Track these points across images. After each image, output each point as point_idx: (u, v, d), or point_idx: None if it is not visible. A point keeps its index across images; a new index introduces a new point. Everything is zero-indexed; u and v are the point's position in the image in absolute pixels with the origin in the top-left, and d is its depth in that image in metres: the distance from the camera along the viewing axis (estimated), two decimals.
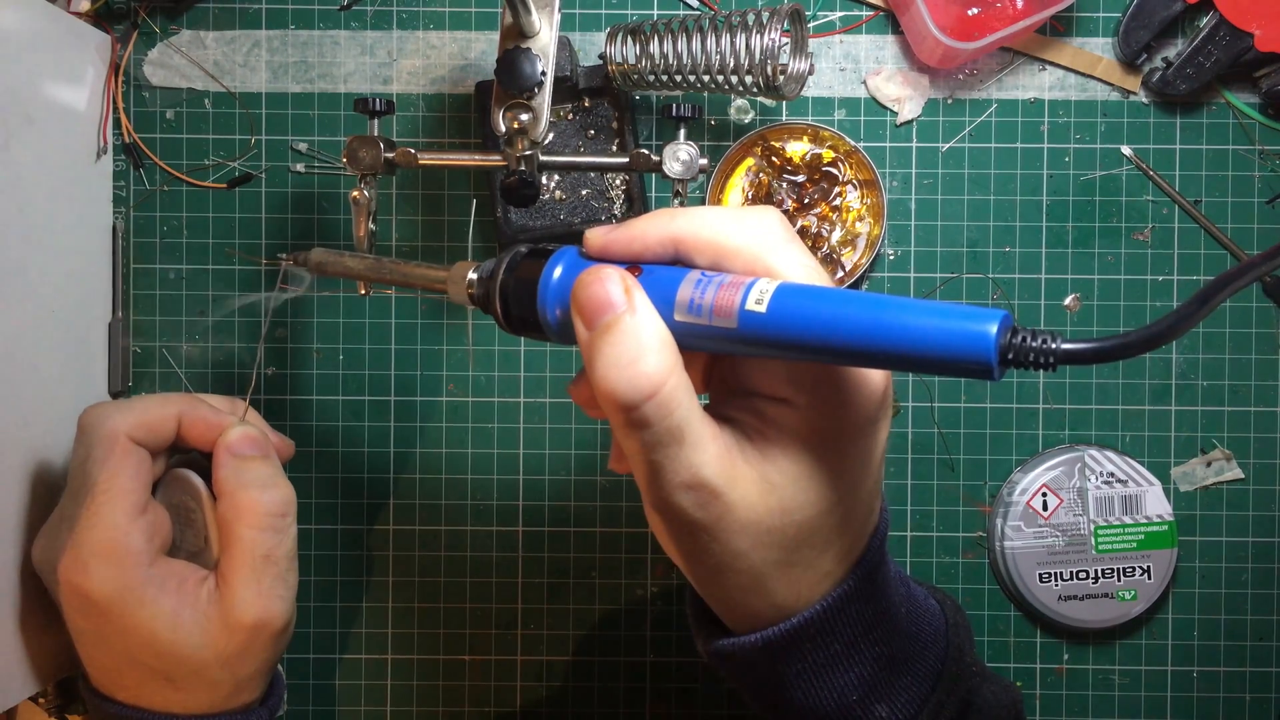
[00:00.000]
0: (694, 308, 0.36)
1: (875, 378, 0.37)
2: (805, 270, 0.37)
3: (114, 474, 0.50)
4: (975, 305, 0.35)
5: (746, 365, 0.39)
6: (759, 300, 0.35)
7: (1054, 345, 0.31)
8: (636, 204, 0.62)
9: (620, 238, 0.39)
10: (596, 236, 0.39)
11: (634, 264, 0.38)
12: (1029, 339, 0.32)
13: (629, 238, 0.38)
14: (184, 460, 0.55)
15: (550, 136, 0.62)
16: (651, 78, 0.56)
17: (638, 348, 0.35)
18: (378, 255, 0.49)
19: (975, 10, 0.60)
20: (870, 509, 0.40)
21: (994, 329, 0.32)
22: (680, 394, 0.35)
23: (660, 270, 0.38)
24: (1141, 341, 0.31)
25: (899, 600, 0.42)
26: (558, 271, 0.39)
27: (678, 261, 0.38)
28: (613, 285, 0.36)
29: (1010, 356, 0.32)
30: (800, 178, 0.62)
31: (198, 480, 0.53)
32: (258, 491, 0.51)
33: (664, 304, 0.37)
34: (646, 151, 0.55)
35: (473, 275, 0.42)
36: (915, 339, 0.32)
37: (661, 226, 0.38)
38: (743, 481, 0.36)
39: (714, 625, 0.42)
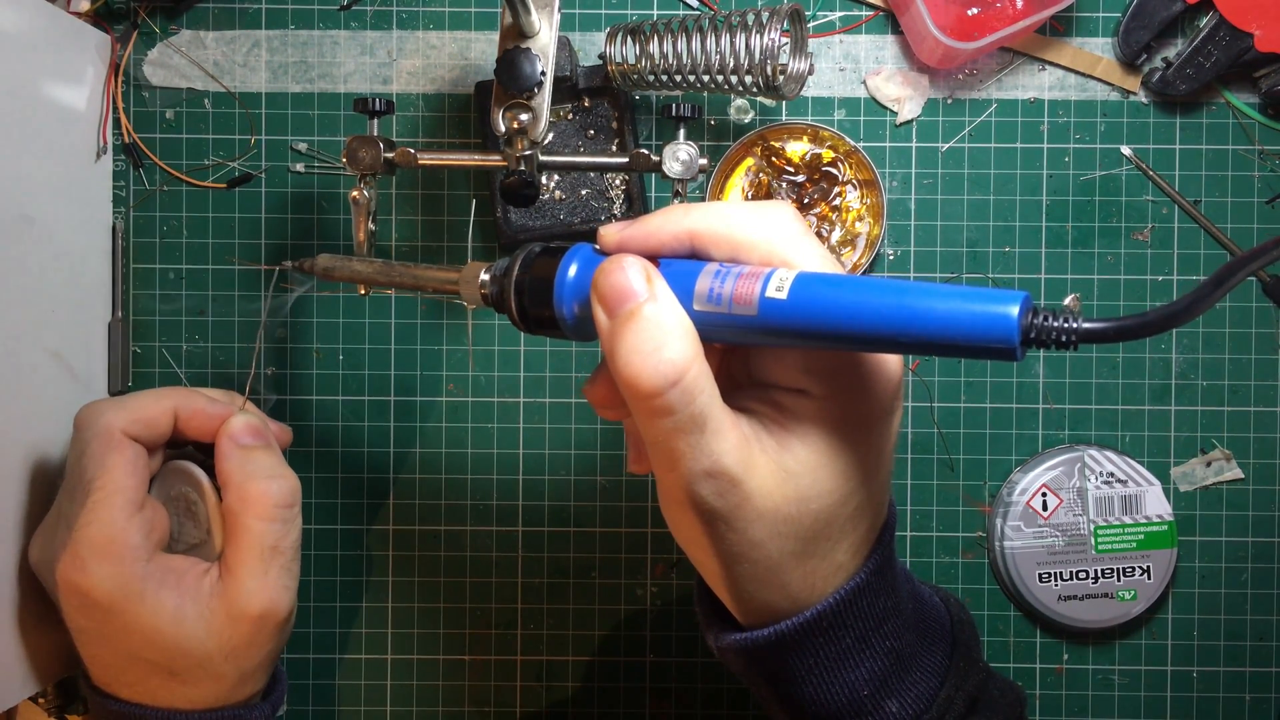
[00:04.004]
0: (713, 297, 0.36)
1: (891, 367, 0.38)
2: (822, 262, 0.37)
3: (110, 471, 0.50)
4: (995, 287, 0.35)
5: (761, 357, 0.39)
6: (779, 288, 0.35)
7: (1075, 324, 0.32)
8: (636, 204, 0.62)
9: (636, 234, 0.39)
10: (611, 233, 0.39)
11: (650, 259, 0.38)
12: (1050, 319, 0.32)
13: (645, 233, 0.39)
14: (179, 454, 0.55)
15: (550, 136, 0.62)
16: (651, 78, 0.56)
17: (661, 335, 0.35)
18: (385, 259, 0.48)
19: (975, 10, 0.60)
20: (882, 500, 0.40)
21: (1015, 310, 0.32)
22: (702, 381, 0.35)
23: (677, 263, 0.38)
24: (1161, 320, 0.31)
25: (906, 595, 0.42)
26: (573, 268, 0.39)
27: (693, 256, 0.39)
28: (634, 273, 0.36)
29: (1032, 336, 0.32)
30: (800, 178, 0.62)
31: (199, 472, 0.53)
32: (265, 482, 0.51)
33: (683, 295, 0.37)
34: (646, 151, 0.55)
35: (485, 275, 0.42)
36: (937, 322, 0.33)
37: (676, 222, 0.38)
38: (761, 470, 0.36)
39: (724, 621, 0.42)
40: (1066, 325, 0.32)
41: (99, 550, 0.48)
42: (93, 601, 0.49)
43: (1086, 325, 0.32)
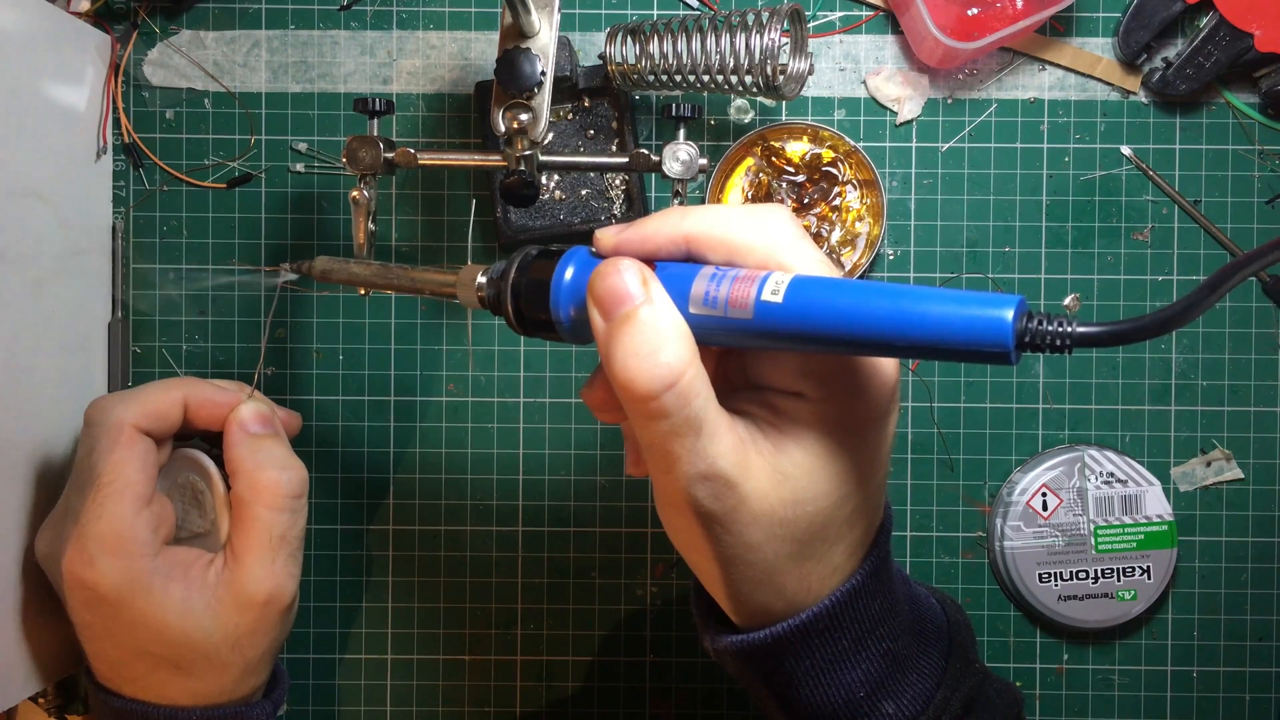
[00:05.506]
0: (709, 300, 0.36)
1: (887, 370, 0.38)
2: (818, 266, 0.37)
3: (119, 466, 0.50)
4: (990, 291, 0.35)
5: (757, 359, 0.39)
6: (775, 291, 0.35)
7: (1069, 328, 0.32)
8: (636, 204, 0.62)
9: (632, 237, 0.39)
10: (607, 236, 0.39)
11: (646, 262, 0.38)
12: (1044, 323, 0.32)
13: (641, 237, 0.39)
14: (186, 444, 0.55)
15: (550, 136, 0.62)
16: (651, 78, 0.56)
17: (656, 338, 0.35)
18: (382, 261, 0.48)
19: (975, 10, 0.60)
20: (878, 503, 0.40)
21: (1010, 314, 0.32)
22: (698, 384, 0.35)
23: (673, 266, 0.38)
24: (1155, 325, 0.31)
25: (903, 598, 0.42)
26: (569, 271, 0.39)
27: (689, 259, 0.39)
28: (630, 277, 0.36)
29: (1026, 340, 0.32)
30: (800, 178, 0.62)
31: (208, 461, 0.54)
32: (276, 472, 0.52)
33: (679, 298, 0.37)
34: (646, 151, 0.55)
35: (483, 278, 0.42)
36: (932, 326, 0.33)
37: (673, 225, 0.38)
38: (756, 473, 0.36)
39: (720, 623, 0.42)
40: (1060, 329, 0.32)
41: (107, 545, 0.49)
42: (99, 596, 0.49)
43: (1080, 329, 0.32)
